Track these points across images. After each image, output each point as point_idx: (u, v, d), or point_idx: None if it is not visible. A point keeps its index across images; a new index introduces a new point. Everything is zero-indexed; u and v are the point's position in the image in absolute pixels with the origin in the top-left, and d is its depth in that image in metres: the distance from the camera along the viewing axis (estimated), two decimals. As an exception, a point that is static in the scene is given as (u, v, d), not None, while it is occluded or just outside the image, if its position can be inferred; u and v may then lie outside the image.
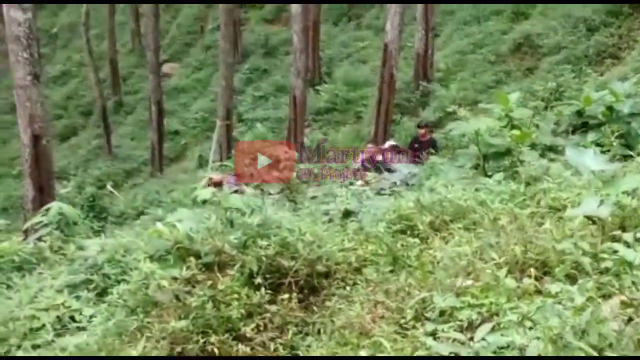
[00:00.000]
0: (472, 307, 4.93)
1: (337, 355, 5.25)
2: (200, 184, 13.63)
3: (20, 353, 6.33)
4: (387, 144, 19.54)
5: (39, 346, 6.40)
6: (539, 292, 5.11)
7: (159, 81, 38.81)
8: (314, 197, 10.56)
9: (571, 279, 5.13)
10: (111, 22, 46.96)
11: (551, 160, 8.72)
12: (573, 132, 11.00)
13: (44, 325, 6.68)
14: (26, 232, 11.36)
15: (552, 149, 9.87)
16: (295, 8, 27.74)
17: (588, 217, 5.78)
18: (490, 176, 8.22)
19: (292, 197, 11.46)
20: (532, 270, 5.34)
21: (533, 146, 9.48)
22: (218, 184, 13.36)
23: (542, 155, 9.12)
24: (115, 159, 40.45)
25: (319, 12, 39.59)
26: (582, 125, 10.98)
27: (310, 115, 33.67)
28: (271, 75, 43.06)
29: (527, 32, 30.59)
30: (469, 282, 5.31)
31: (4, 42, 17.00)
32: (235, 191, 12.50)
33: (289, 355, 5.64)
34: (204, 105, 42.67)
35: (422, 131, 19.53)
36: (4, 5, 15.44)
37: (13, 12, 15.03)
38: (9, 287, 7.90)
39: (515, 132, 9.02)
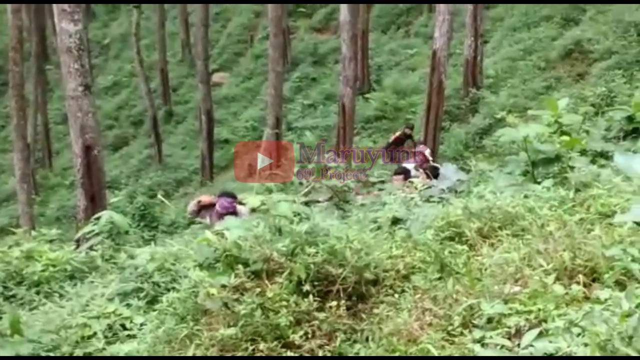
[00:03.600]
0: (520, 314, 4.92)
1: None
2: (188, 208, 13.12)
3: (72, 361, 6.43)
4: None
5: (90, 354, 6.50)
6: (587, 298, 5.08)
7: (209, 90, 39.17)
8: (362, 205, 10.53)
9: (620, 285, 5.10)
10: (161, 32, 47.49)
11: (601, 166, 8.62)
12: (624, 138, 10.91)
13: (95, 333, 6.79)
14: (78, 242, 11.49)
15: (602, 154, 9.78)
16: (343, 16, 27.67)
17: (637, 223, 5.74)
18: (539, 183, 8.14)
19: (341, 205, 11.44)
20: (581, 277, 5.31)
21: (583, 152, 9.39)
22: (207, 207, 12.75)
23: (592, 162, 9.01)
24: (166, 169, 40.72)
25: (368, 21, 39.68)
26: (633, 130, 10.90)
27: (359, 123, 33.74)
28: (320, 84, 43.24)
29: (577, 38, 30.37)
30: (517, 288, 5.30)
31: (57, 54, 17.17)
32: (231, 213, 11.83)
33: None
34: (253, 114, 42.82)
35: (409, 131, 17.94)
36: (55, 17, 15.60)
37: (64, 24, 15.17)
38: (61, 295, 8.03)
39: (565, 138, 8.94)
